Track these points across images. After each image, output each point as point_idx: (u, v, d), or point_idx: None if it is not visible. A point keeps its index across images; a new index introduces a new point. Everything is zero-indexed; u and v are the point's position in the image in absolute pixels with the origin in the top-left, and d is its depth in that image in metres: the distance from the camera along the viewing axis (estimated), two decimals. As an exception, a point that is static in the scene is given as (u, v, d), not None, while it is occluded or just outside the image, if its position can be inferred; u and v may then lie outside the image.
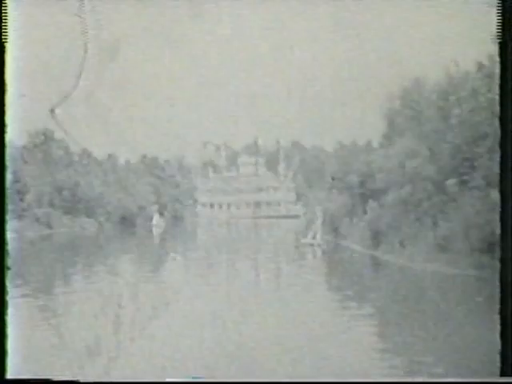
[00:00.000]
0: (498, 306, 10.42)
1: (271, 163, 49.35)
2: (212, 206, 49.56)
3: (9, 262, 10.70)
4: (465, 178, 30.19)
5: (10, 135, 11.44)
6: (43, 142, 46.70)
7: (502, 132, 10.06)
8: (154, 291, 27.53)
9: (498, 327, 10.16)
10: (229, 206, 48.98)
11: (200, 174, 50.36)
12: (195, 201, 50.64)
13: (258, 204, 48.46)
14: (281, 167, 48.92)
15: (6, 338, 9.57)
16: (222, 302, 25.20)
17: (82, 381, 9.44)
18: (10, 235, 11.37)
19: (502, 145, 9.96)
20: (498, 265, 11.93)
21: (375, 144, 39.27)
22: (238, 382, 9.79)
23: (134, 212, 47.74)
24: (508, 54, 9.90)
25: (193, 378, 12.69)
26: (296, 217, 47.18)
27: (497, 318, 10.89)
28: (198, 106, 36.18)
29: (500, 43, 9.97)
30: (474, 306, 22.43)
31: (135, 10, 24.77)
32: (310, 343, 18.96)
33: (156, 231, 47.22)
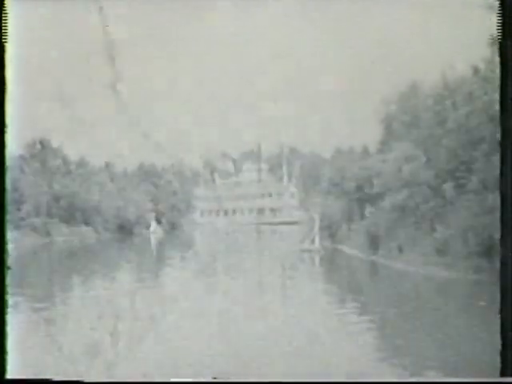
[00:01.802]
0: (497, 309, 10.43)
1: (272, 170, 49.41)
2: (217, 213, 49.55)
3: (9, 261, 10.69)
4: (462, 181, 30.23)
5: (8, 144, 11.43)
6: (40, 151, 46.74)
7: (502, 134, 10.09)
8: (152, 299, 27.48)
9: (498, 329, 10.18)
10: (234, 212, 48.98)
11: (201, 181, 50.36)
12: (194, 208, 50.66)
13: (260, 210, 48.47)
14: (284, 174, 49.00)
15: (6, 338, 9.57)
16: (222, 309, 25.17)
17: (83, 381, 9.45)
18: (7, 245, 11.35)
19: (502, 147, 9.99)
20: (496, 267, 11.94)
21: (372, 149, 39.36)
22: (238, 382, 9.80)
23: (132, 220, 47.76)
24: (508, 55, 9.93)
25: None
26: (298, 223, 47.11)
27: (496, 320, 10.90)
28: (197, 113, 36.24)
29: (500, 44, 10.01)
30: (472, 308, 22.44)
31: (135, 11, 24.80)
32: (310, 348, 18.98)
33: (154, 239, 47.24)
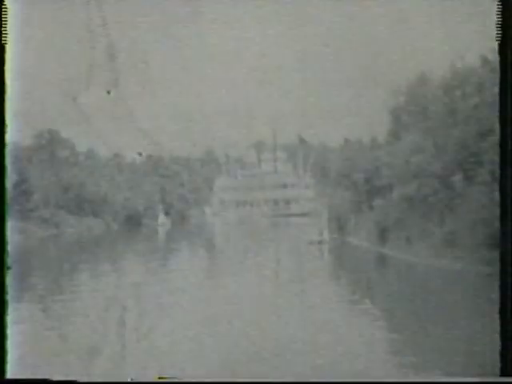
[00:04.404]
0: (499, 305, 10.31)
1: (285, 161, 49.29)
2: (237, 204, 49.52)
3: (11, 262, 10.63)
4: (471, 173, 30.06)
5: (14, 136, 11.38)
6: (49, 141, 46.73)
7: (501, 132, 9.99)
8: (160, 292, 27.48)
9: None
10: (251, 204, 48.90)
11: (220, 171, 50.35)
12: (205, 199, 50.65)
13: (275, 201, 48.34)
14: (299, 165, 48.85)
15: (6, 337, 9.52)
16: (231, 302, 25.13)
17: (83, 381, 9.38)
18: (16, 236, 11.32)
19: (502, 145, 9.87)
20: (505, 260, 11.78)
21: (381, 140, 39.19)
22: (239, 382, 9.71)
23: (140, 212, 47.71)
24: (508, 55, 9.81)
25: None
26: (311, 214, 46.88)
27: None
28: (203, 105, 36.14)
29: (500, 44, 9.87)
30: (482, 301, 22.31)
31: (137, 8, 24.69)
32: (315, 340, 18.92)
33: (162, 231, 47.20)
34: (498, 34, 9.79)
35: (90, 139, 39.13)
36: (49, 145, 46.45)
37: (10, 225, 11.83)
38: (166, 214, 48.25)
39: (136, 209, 47.29)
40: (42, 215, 44.08)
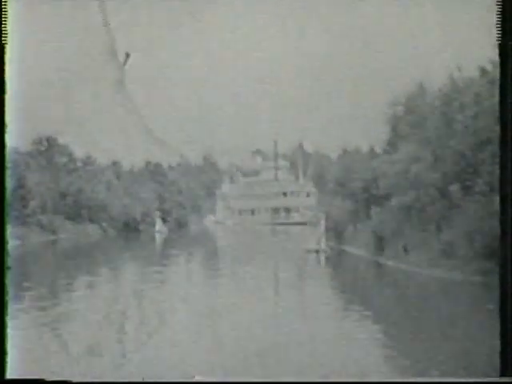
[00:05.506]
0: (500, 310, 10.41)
1: (284, 170, 49.34)
2: (240, 212, 49.57)
3: (10, 264, 10.70)
4: (468, 183, 30.14)
5: (13, 142, 11.44)
6: (47, 148, 46.84)
7: (501, 136, 10.08)
8: (159, 298, 27.47)
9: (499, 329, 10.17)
10: (252, 211, 48.95)
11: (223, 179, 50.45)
12: (201, 207, 50.72)
13: (276, 209, 48.36)
14: (299, 173, 48.90)
15: (6, 338, 9.58)
16: (229, 308, 25.16)
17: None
18: (14, 242, 11.38)
19: (502, 148, 9.97)
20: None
21: (379, 150, 39.34)
22: (239, 382, 9.79)
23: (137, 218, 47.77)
24: (508, 55, 9.92)
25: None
26: (311, 223, 46.87)
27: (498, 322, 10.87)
28: (202, 112, 36.27)
29: (500, 44, 9.99)
30: (477, 310, 22.38)
31: (138, 10, 24.82)
32: (313, 348, 18.97)
33: (159, 238, 47.27)
34: (498, 41, 9.91)
35: (87, 144, 39.22)
36: (47, 151, 46.57)
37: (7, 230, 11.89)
38: (164, 220, 48.35)
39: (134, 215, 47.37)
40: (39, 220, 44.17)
